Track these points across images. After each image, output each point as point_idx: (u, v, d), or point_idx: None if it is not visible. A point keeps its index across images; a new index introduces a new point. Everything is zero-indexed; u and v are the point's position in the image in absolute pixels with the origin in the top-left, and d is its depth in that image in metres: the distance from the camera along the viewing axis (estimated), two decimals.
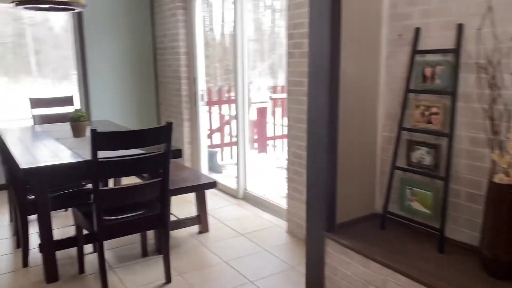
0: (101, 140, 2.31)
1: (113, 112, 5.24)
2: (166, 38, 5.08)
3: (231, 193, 4.44)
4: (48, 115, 4.51)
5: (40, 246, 2.71)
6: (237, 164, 4.30)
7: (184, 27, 4.78)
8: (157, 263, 2.95)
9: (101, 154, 2.34)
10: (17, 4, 3.03)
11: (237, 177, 4.31)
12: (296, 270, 2.87)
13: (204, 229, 3.50)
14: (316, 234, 2.52)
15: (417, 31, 2.23)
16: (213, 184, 3.34)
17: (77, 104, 4.95)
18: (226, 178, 5.15)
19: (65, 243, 2.86)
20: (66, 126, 3.64)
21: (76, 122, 3.39)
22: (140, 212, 2.66)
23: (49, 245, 2.69)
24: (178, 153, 2.95)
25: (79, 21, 4.90)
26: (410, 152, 2.33)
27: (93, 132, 2.27)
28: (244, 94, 4.17)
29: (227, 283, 2.70)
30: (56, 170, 2.54)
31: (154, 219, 2.64)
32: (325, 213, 2.43)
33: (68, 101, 4.60)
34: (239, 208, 4.08)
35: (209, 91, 5.92)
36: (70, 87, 5.20)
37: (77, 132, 3.43)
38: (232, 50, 4.16)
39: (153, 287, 2.66)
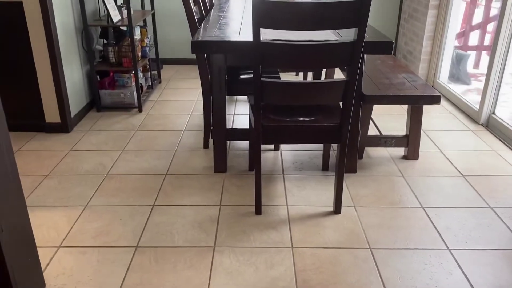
0: (265, 11, 1.68)
1: None
2: None
3: (470, 114, 3.28)
4: None
5: (212, 131, 2.45)
6: (486, 77, 3.05)
7: None
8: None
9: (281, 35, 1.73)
10: None
11: (483, 94, 3.09)
12: None
13: (411, 155, 2.64)
14: None
15: None
16: (434, 99, 2.37)
17: None
18: (471, 92, 3.90)
19: (237, 134, 2.53)
20: None
21: None
22: (311, 119, 2.03)
23: (219, 133, 2.40)
24: (387, 47, 2.08)
25: None
26: None
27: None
28: None
29: (413, 240, 1.91)
30: (225, 47, 2.10)
31: (329, 131, 1.98)
32: None
33: None
34: (474, 137, 2.96)
35: None
36: None
37: None
38: None
39: (315, 213, 2.11)
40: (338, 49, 1.76)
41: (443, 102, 3.59)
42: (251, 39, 1.75)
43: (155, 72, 4.03)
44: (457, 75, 4.12)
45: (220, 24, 2.49)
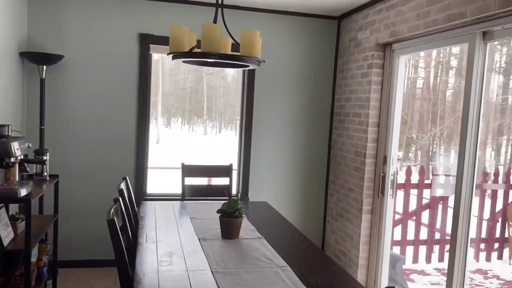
0: None
1: (274, 187, 4.27)
2: (349, 102, 3.98)
3: None
4: (200, 186, 3.76)
5: None
6: (448, 277, 2.82)
7: (378, 91, 3.62)
8: None
9: None
10: (174, 58, 2.25)
11: None
12: None
13: None
14: None
15: None
16: None
17: (234, 175, 4.12)
18: None
19: None
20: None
21: (228, 218, 2.43)
22: None
23: None
24: None
25: (249, 75, 4.15)
26: None
27: None
28: (470, 173, 2.73)
29: None
30: None
31: None
32: None
33: (225, 171, 3.79)
34: None
35: (408, 171, 4.61)
36: (232, 138, 4.45)
37: (227, 232, 2.45)
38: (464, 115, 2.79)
39: None
40: None
41: None
42: None
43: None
44: (395, 278, 3.93)
45: (160, 261, 1.94)
